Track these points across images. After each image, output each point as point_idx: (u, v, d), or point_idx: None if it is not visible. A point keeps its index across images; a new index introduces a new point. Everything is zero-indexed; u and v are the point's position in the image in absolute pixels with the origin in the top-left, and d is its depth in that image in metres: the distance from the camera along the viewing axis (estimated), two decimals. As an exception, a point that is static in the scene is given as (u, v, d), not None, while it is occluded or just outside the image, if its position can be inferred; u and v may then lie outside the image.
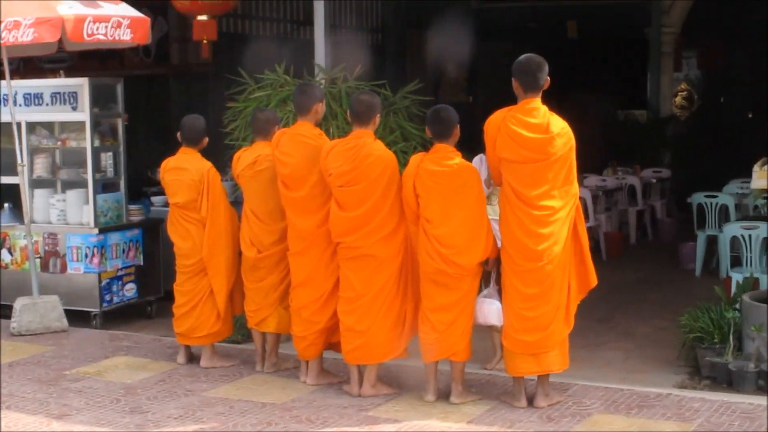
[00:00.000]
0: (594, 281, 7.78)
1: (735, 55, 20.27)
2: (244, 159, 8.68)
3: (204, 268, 8.89)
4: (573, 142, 7.44)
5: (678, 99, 20.69)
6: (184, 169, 8.90)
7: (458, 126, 7.76)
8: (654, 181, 16.66)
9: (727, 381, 8.36)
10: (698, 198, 13.40)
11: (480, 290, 7.98)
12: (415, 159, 7.77)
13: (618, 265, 13.72)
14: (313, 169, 8.06)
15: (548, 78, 7.52)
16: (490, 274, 8.01)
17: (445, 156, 7.64)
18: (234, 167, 8.81)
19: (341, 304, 8.03)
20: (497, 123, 7.41)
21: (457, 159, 7.65)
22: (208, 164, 8.93)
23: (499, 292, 7.98)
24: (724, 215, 13.33)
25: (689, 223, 14.90)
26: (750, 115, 20.51)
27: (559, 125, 7.39)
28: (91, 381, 8.69)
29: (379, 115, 8.03)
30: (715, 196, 13.33)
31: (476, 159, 8.67)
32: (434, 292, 7.68)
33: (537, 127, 7.33)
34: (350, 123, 8.20)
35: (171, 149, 15.41)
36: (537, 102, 7.42)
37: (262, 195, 8.55)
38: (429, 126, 7.78)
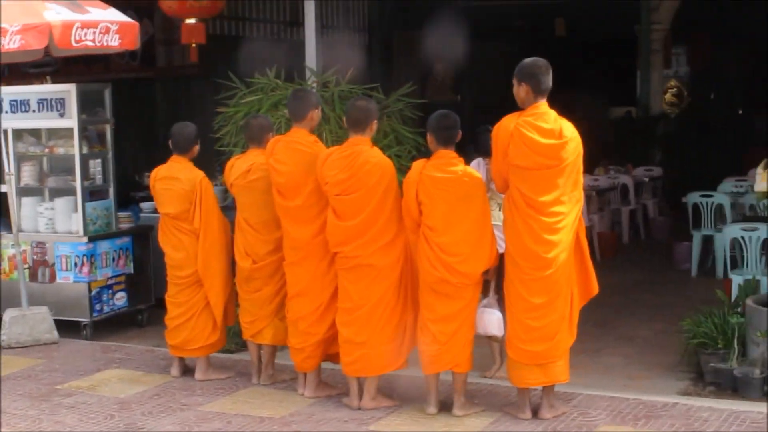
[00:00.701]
0: (596, 289, 7.64)
1: (723, 51, 20.20)
2: (237, 167, 8.48)
3: (198, 279, 8.69)
4: (581, 147, 7.30)
5: (668, 96, 20.62)
6: (175, 179, 8.69)
7: (460, 131, 7.59)
8: (646, 179, 16.54)
9: (732, 387, 8.24)
10: (694, 197, 13.26)
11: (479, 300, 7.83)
12: (417, 165, 7.58)
13: (612, 266, 13.56)
14: (309, 178, 7.87)
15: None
16: (489, 282, 7.86)
17: (449, 162, 7.47)
18: (226, 176, 8.60)
19: (339, 315, 7.86)
20: (509, 129, 7.20)
21: (461, 165, 7.49)
22: (200, 174, 8.72)
23: (499, 300, 7.84)
24: (718, 214, 13.21)
25: (681, 221, 14.83)
26: (740, 112, 20.46)
27: (570, 130, 7.24)
28: (83, 396, 8.50)
29: (376, 121, 7.84)
30: (710, 196, 13.19)
31: (473, 163, 8.52)
32: (435, 302, 7.52)
33: (550, 133, 7.16)
34: (346, 129, 8.03)
35: (157, 153, 15.25)
36: (545, 106, 7.25)
37: (256, 204, 8.35)
38: (432, 132, 7.57)
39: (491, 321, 7.79)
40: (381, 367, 7.79)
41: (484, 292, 7.87)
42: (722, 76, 20.26)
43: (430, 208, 7.43)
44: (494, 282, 7.81)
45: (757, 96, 19.86)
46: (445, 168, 7.45)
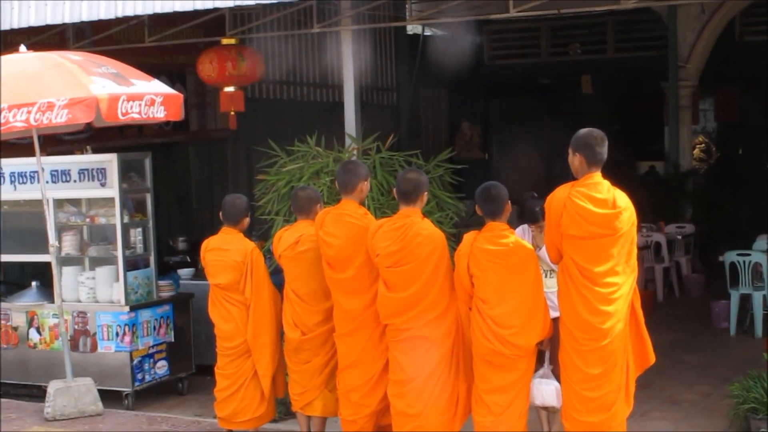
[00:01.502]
0: (652, 358, 7.56)
1: (750, 105, 20.21)
2: (285, 239, 8.47)
3: (247, 350, 8.66)
4: (635, 216, 7.26)
5: (696, 152, 20.58)
6: (225, 250, 8.70)
7: (509, 202, 7.57)
8: (679, 237, 16.49)
9: (784, 453, 8.19)
10: (731, 256, 13.22)
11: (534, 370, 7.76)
12: (468, 238, 7.55)
13: (650, 325, 13.05)
14: (360, 250, 7.85)
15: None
16: (544, 353, 7.80)
17: (500, 234, 7.44)
18: (275, 248, 8.59)
19: (391, 386, 7.79)
20: (562, 199, 7.16)
21: (512, 237, 7.47)
22: (251, 245, 8.74)
23: (553, 371, 7.77)
24: (755, 272, 13.18)
25: (714, 278, 14.80)
26: (768, 166, 20.43)
27: (624, 200, 7.20)
28: (134, 471, 8.48)
29: (426, 192, 7.83)
30: (747, 254, 13.14)
31: (518, 230, 8.51)
32: (490, 373, 7.46)
33: (603, 203, 7.11)
34: (389, 197, 8.02)
35: (191, 217, 15.36)
36: (599, 176, 7.21)
37: (305, 276, 8.34)
38: (479, 204, 7.56)
39: (549, 392, 7.72)
40: (434, 439, 7.72)
41: (539, 362, 7.81)
42: (749, 130, 20.24)
43: (482, 280, 7.41)
44: (548, 352, 7.75)
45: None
46: (496, 240, 7.42)
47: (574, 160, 7.25)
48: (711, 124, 21.03)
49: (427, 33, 20.34)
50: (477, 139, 22.16)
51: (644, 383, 10.38)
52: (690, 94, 19.05)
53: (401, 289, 7.61)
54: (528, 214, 8.58)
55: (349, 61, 10.88)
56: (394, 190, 7.94)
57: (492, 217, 7.53)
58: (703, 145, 20.92)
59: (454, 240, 8.73)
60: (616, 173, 7.56)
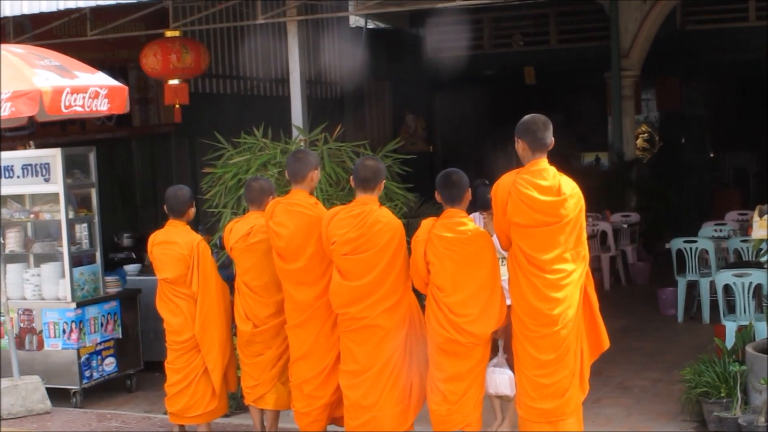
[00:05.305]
0: (606, 343, 7.55)
1: (691, 95, 20.39)
2: (236, 230, 8.38)
3: (197, 344, 8.55)
4: (583, 202, 7.22)
5: (639, 141, 20.70)
6: (172, 243, 8.59)
7: (470, 189, 7.53)
8: (625, 226, 16.59)
9: (737, 436, 8.22)
10: (677, 243, 13.29)
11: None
12: (426, 224, 7.49)
13: None
14: (310, 240, 7.78)
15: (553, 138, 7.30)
16: (497, 342, 7.77)
17: (458, 222, 7.39)
18: (226, 240, 8.50)
19: (344, 377, 7.72)
20: (507, 187, 7.13)
21: (471, 224, 7.42)
22: (197, 237, 8.63)
23: (508, 360, 7.75)
24: (701, 259, 13.28)
25: (659, 266, 14.86)
26: (711, 155, 20.61)
27: (570, 186, 7.16)
28: (86, 469, 8.36)
29: (384, 180, 7.78)
30: (694, 241, 13.22)
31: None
32: (445, 362, 7.41)
33: (548, 190, 7.08)
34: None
35: (135, 213, 15.19)
36: (545, 162, 7.17)
37: (257, 268, 8.26)
38: (439, 190, 7.51)
39: (503, 380, 7.70)
40: (389, 431, 7.65)
41: (493, 351, 7.77)
42: (692, 119, 20.43)
43: (439, 267, 7.36)
44: (502, 341, 7.72)
45: (726, 138, 20.10)
46: (454, 228, 7.37)
47: (518, 146, 7.22)
48: (653, 113, 21.17)
49: (370, 26, 20.29)
50: (421, 132, 22.12)
51: (594, 370, 10.22)
52: (632, 84, 19.17)
53: (357, 278, 7.54)
54: (479, 201, 8.55)
55: (294, 51, 10.80)
56: (351, 177, 7.85)
57: (451, 204, 7.48)
58: (646, 134, 21.05)
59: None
60: (560, 164, 7.54)
